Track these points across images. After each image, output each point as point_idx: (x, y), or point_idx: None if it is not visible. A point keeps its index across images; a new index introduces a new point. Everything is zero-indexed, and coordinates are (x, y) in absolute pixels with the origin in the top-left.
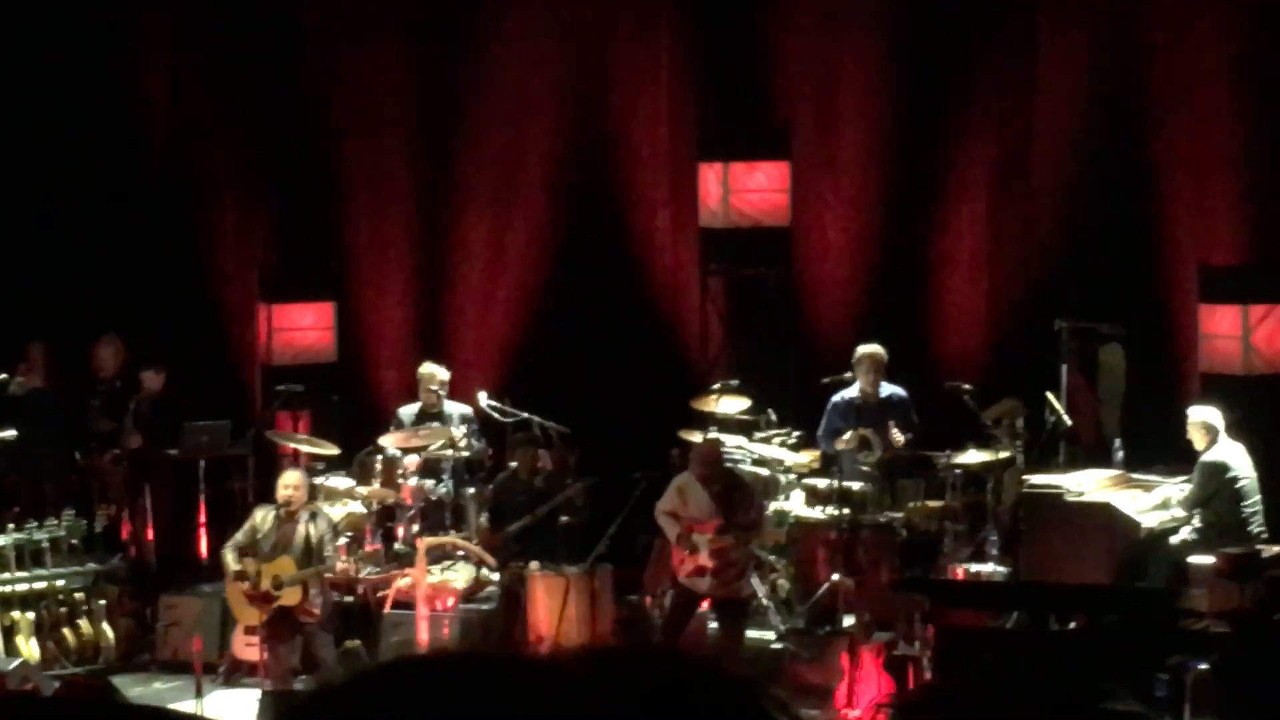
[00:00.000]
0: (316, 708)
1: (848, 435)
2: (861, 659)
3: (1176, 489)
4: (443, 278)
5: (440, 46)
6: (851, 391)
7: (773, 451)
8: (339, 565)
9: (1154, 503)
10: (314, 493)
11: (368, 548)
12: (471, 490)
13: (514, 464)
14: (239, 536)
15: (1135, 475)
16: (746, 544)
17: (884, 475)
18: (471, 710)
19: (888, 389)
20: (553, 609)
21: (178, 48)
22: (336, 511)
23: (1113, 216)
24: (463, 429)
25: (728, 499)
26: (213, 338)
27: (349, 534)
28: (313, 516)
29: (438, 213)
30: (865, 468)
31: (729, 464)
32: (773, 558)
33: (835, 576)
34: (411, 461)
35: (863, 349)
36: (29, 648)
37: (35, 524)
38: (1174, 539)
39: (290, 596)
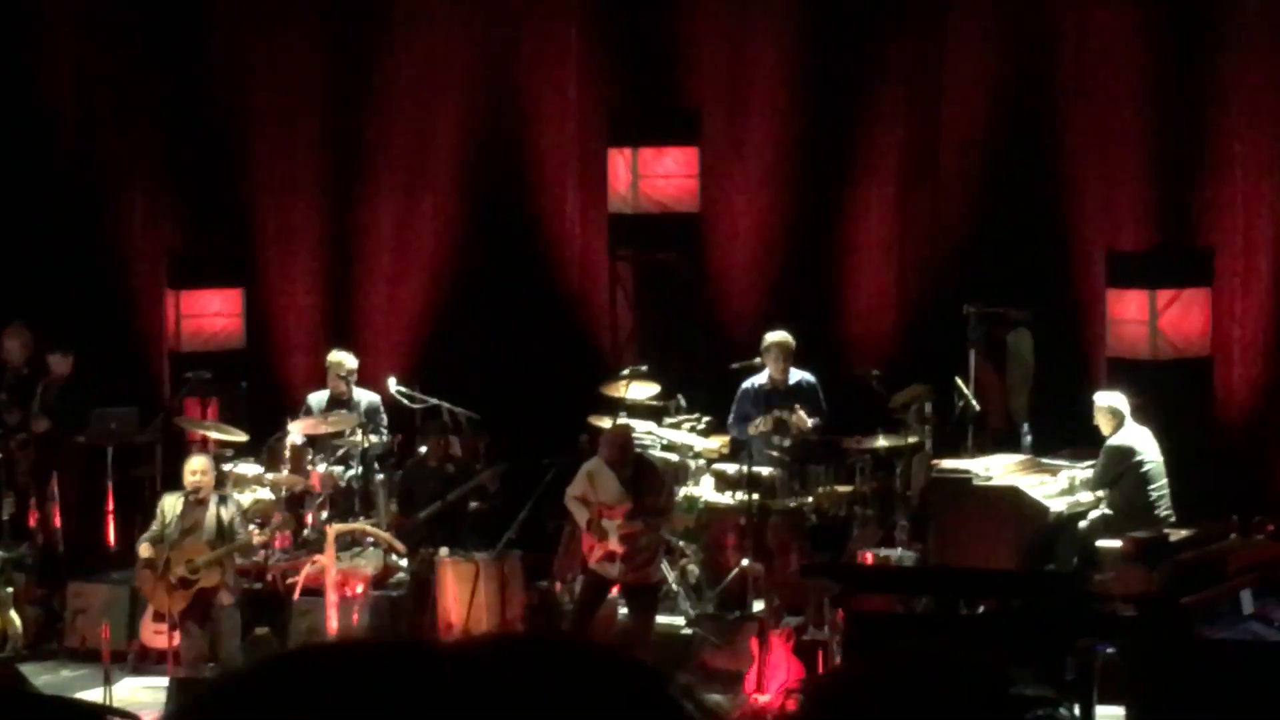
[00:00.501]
0: (222, 696)
1: (759, 420)
2: (771, 644)
3: (1084, 473)
4: (351, 264)
5: (349, 33)
6: (761, 378)
7: (682, 437)
8: (255, 539)
9: (1062, 487)
10: (222, 478)
11: (279, 527)
12: (380, 476)
13: (424, 449)
14: (153, 528)
15: (1043, 460)
16: (656, 529)
17: (793, 460)
18: (377, 699)
19: (797, 374)
20: (462, 595)
21: (84, 34)
22: (245, 498)
23: (1020, 202)
24: (371, 423)
25: (637, 484)
26: (121, 324)
27: (258, 520)
28: (222, 500)
29: (346, 199)
30: (775, 453)
31: (639, 449)
32: (682, 543)
33: (745, 562)
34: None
35: (770, 337)
36: None
37: None
38: (1082, 523)
39: (209, 578)
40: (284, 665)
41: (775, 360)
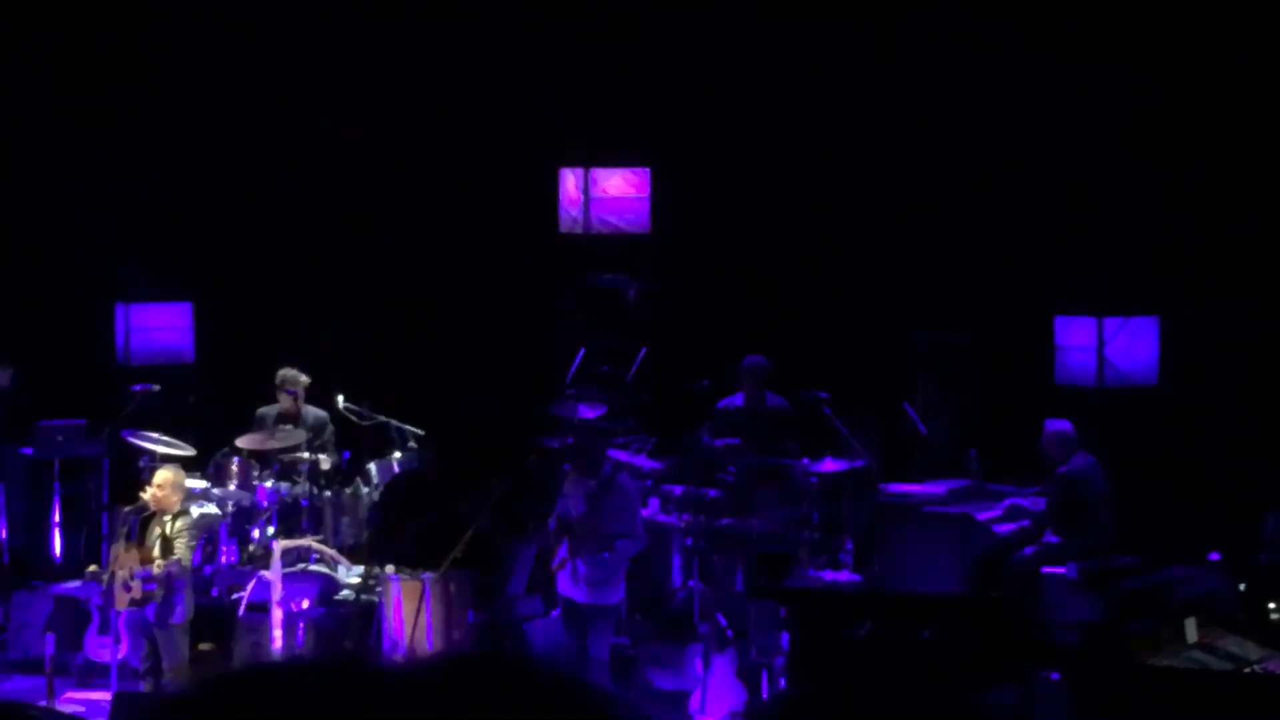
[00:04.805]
0: (166, 713)
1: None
2: (715, 666)
3: (1030, 500)
4: (302, 279)
5: (297, 43)
6: (737, 399)
7: (629, 457)
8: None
9: (1007, 513)
10: (188, 494)
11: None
12: (328, 493)
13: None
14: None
15: (989, 485)
16: (608, 548)
17: (740, 482)
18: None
19: (771, 400)
20: (409, 613)
21: (33, 44)
22: (193, 512)
23: (970, 228)
24: (319, 439)
25: (598, 501)
26: (70, 337)
27: (204, 535)
28: (177, 516)
29: (296, 214)
30: (723, 474)
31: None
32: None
33: (690, 583)
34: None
35: (745, 362)
36: None
37: None
38: (1028, 549)
39: (137, 590)
40: (231, 685)
41: (748, 386)
